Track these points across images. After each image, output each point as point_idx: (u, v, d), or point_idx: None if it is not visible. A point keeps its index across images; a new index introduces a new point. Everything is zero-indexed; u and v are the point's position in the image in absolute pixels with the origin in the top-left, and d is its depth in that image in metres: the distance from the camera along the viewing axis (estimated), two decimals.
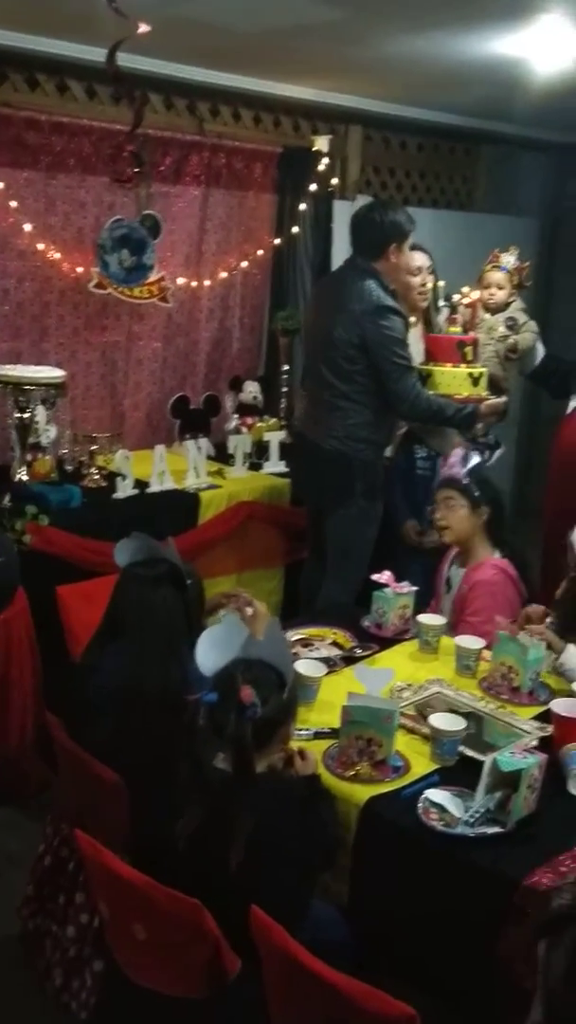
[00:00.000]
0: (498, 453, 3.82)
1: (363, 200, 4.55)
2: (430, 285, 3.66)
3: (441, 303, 3.58)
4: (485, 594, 2.76)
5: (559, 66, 3.34)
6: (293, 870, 1.72)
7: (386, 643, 2.67)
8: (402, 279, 3.56)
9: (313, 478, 3.54)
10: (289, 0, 2.83)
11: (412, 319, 3.53)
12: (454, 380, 3.38)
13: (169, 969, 1.69)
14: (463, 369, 3.39)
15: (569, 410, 3.68)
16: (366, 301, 3.25)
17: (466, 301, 3.51)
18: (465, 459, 2.89)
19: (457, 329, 3.46)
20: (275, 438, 4.08)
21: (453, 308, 3.49)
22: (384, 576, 2.75)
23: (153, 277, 3.99)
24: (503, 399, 3.48)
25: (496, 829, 1.80)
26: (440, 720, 2.06)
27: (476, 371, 3.41)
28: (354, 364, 3.29)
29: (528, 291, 3.94)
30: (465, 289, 3.57)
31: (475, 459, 2.91)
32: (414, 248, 3.58)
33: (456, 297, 3.52)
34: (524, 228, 5.43)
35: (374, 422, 3.35)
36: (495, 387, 3.56)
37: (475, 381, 3.40)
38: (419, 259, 3.62)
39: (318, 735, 2.12)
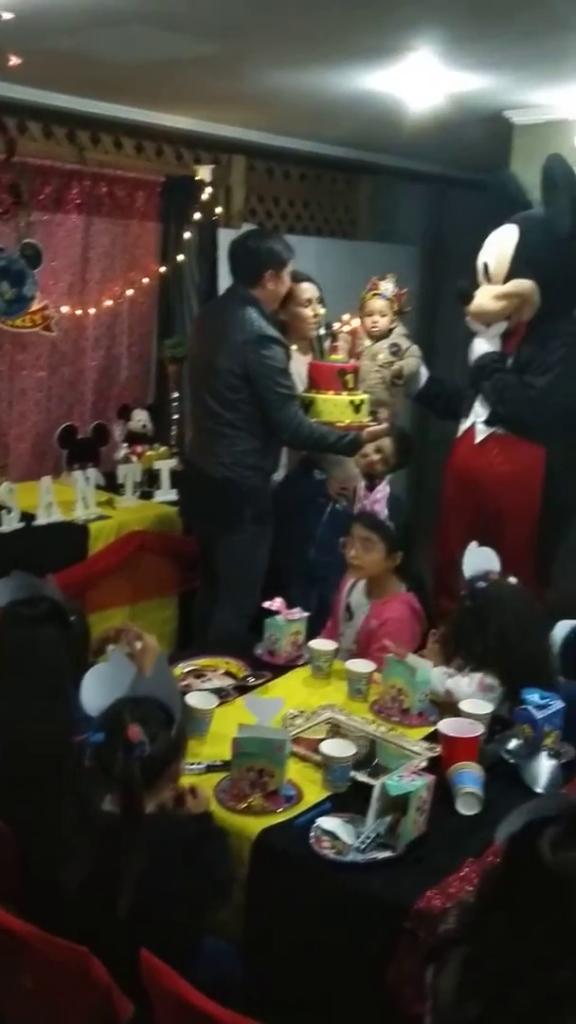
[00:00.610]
0: (388, 476, 3.89)
1: (248, 228, 4.60)
2: (321, 313, 3.72)
3: (321, 331, 3.64)
4: (394, 631, 2.76)
5: (429, 102, 3.45)
6: (183, 910, 1.70)
7: (279, 670, 2.68)
8: (292, 309, 3.63)
9: (202, 505, 3.54)
10: (164, 35, 2.86)
11: (294, 347, 3.58)
12: (336, 408, 3.43)
13: (59, 1019, 1.65)
14: (344, 397, 3.44)
15: (461, 432, 3.77)
16: (248, 331, 3.28)
17: (346, 329, 3.57)
18: (382, 495, 2.90)
19: (339, 357, 3.52)
20: (166, 466, 4.07)
21: (334, 336, 3.55)
22: (276, 603, 2.76)
23: (36, 306, 3.93)
24: (383, 426, 3.54)
25: (387, 854, 1.82)
26: (330, 747, 2.08)
27: (357, 398, 3.46)
28: (237, 393, 3.31)
29: (412, 317, 4.04)
30: (346, 317, 3.64)
31: (386, 490, 2.93)
32: (303, 280, 3.65)
33: (336, 325, 3.59)
34: (406, 256, 5.58)
35: (261, 449, 3.38)
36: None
37: (356, 408, 3.45)
38: (309, 290, 3.69)
39: (210, 768, 2.11)
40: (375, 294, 3.82)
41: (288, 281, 3.48)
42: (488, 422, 3.53)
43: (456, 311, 3.71)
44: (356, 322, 3.65)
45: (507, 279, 3.39)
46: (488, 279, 3.46)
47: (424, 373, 3.91)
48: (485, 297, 3.45)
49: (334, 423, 3.41)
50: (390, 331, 3.81)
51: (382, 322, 3.79)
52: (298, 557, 3.61)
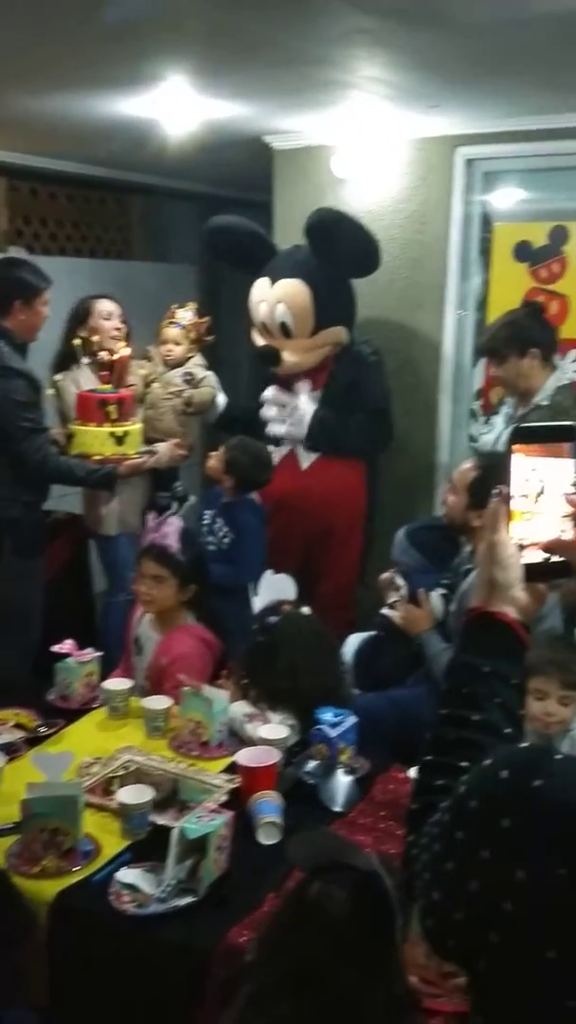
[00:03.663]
0: (188, 504, 3.89)
1: (15, 251, 4.46)
2: (122, 328, 3.70)
3: (85, 360, 3.59)
4: (185, 667, 2.69)
5: (186, 127, 3.48)
6: None
7: (73, 715, 2.59)
8: (92, 324, 3.65)
9: None
10: None
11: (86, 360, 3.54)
12: (95, 440, 3.38)
13: None
14: (105, 428, 3.39)
15: (279, 459, 3.85)
16: None
17: (115, 357, 3.52)
18: (172, 528, 2.82)
19: (106, 387, 3.47)
20: None
21: (101, 365, 3.50)
22: (66, 645, 2.68)
23: None
24: (143, 459, 3.52)
25: (188, 899, 1.79)
26: (126, 794, 2.03)
27: (120, 430, 3.41)
28: None
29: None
30: (120, 345, 3.59)
31: (177, 523, 2.88)
32: (101, 297, 3.70)
33: (103, 354, 3.54)
34: (183, 275, 5.59)
35: (18, 479, 3.28)
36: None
37: (119, 440, 3.40)
38: (108, 304, 3.71)
39: (0, 832, 2.01)
40: (171, 322, 3.83)
41: (45, 311, 3.38)
42: (313, 448, 3.79)
43: (237, 329, 3.82)
44: (126, 351, 3.60)
45: (315, 331, 3.71)
46: (288, 335, 3.73)
47: (222, 400, 3.95)
48: (299, 353, 3.75)
49: (92, 455, 3.36)
50: (187, 359, 3.82)
51: (177, 351, 3.80)
52: None
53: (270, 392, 3.90)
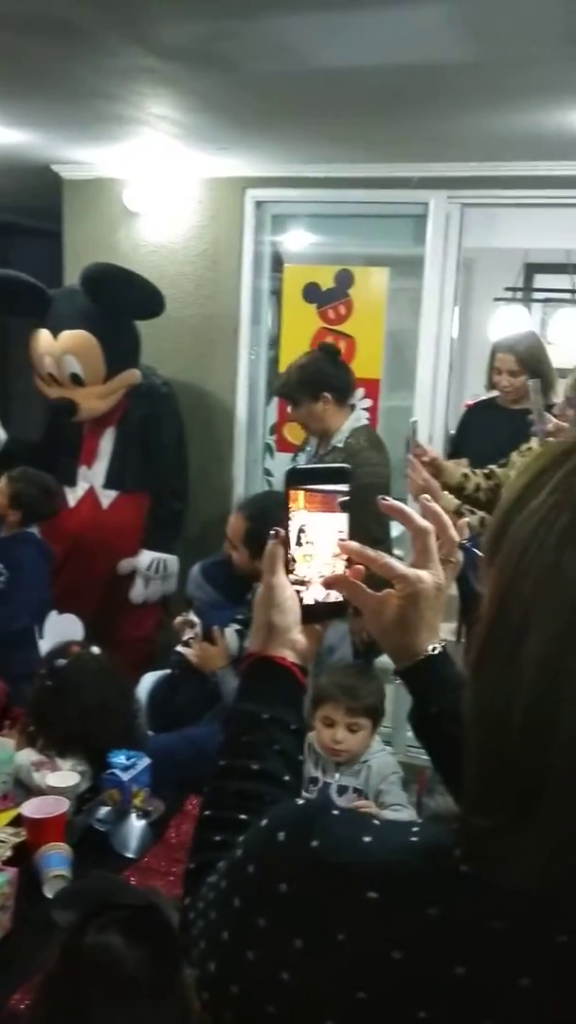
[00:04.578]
0: None
1: None
2: None
3: None
4: None
5: None
6: None
7: None
8: None
9: None
10: None
11: None
12: None
13: None
14: None
15: (73, 503, 3.76)
16: None
17: None
18: None
19: None
20: None
21: None
22: None
23: None
24: None
25: None
26: None
27: None
28: None
29: None
30: None
31: None
32: None
33: None
34: None
35: None
36: None
37: None
38: None
39: None
40: None
41: None
42: (110, 486, 3.79)
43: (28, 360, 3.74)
44: None
45: (107, 377, 3.72)
46: (80, 383, 3.71)
47: (2, 435, 3.82)
48: (94, 400, 3.74)
49: None
50: None
51: None
52: None
53: None
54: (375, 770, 2.39)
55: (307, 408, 3.22)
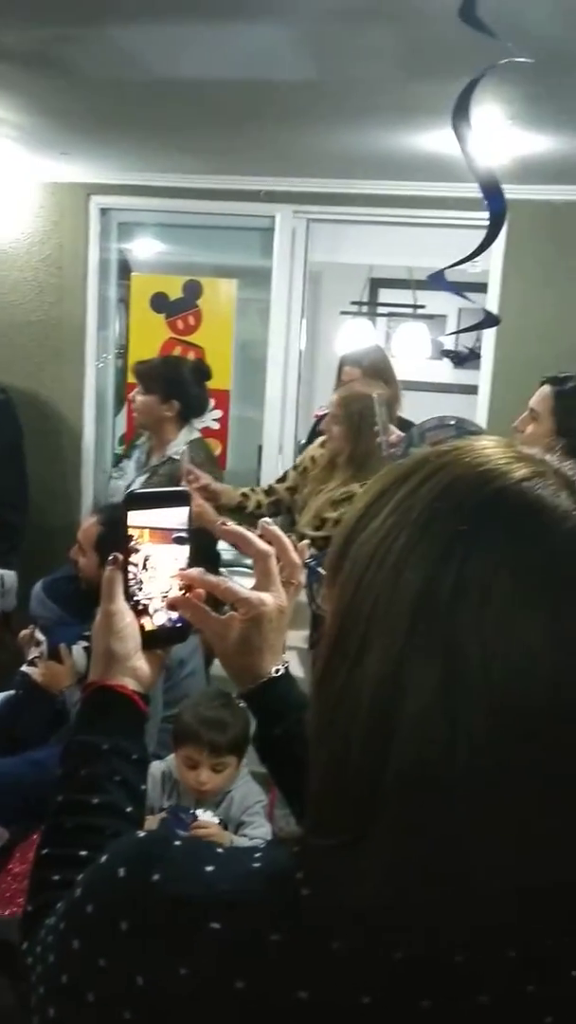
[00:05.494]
0: None
1: None
2: None
3: None
4: None
5: None
6: None
7: None
8: None
9: None
10: None
11: None
12: None
13: None
14: None
15: None
16: None
17: None
18: None
19: None
20: None
21: None
22: None
23: None
24: None
25: None
26: None
27: None
28: None
29: None
30: None
31: None
32: None
33: None
34: None
35: None
36: None
37: None
38: None
39: None
40: None
41: None
42: None
43: None
44: None
45: None
46: None
47: None
48: None
49: None
50: None
51: None
52: None
53: None
54: (237, 801, 2.29)
55: (152, 401, 3.19)
